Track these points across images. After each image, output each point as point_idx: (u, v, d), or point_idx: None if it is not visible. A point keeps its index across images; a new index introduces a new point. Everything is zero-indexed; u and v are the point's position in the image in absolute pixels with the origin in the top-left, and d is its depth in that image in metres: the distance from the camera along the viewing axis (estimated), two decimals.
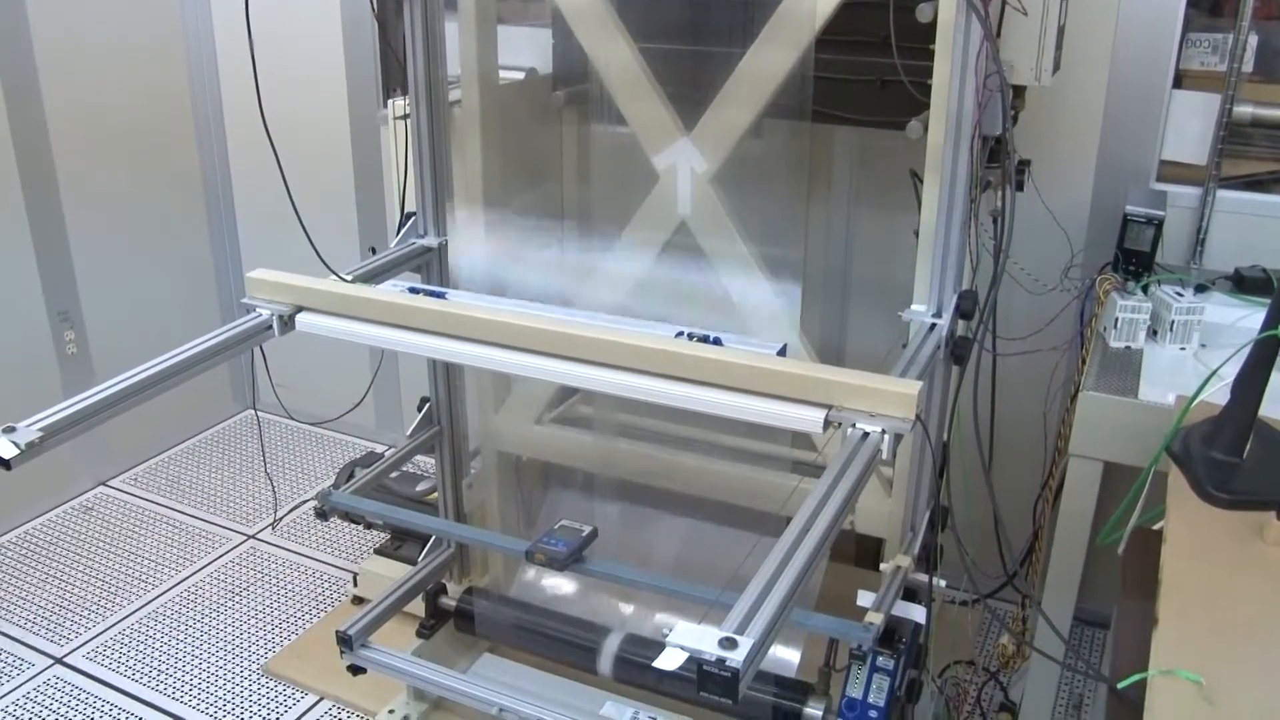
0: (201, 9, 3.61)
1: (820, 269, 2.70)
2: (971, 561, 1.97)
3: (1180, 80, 2.47)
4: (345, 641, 2.30)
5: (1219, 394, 1.64)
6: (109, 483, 3.67)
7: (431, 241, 2.31)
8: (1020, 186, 2.14)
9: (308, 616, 2.99)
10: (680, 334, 1.69)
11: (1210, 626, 1.29)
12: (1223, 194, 2.44)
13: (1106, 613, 2.22)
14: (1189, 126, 2.47)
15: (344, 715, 2.64)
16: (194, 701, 2.67)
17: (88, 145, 3.40)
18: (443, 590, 2.57)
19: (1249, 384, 1.55)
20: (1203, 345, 2.14)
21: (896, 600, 1.92)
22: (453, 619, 2.56)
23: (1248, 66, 2.37)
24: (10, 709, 2.64)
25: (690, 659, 1.04)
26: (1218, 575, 1.40)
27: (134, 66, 3.52)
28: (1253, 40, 2.35)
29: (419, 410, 2.50)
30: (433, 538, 2.65)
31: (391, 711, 2.57)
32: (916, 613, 1.96)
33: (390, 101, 2.66)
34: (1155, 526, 1.57)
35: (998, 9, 1.90)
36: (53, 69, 3.24)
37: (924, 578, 1.99)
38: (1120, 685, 1.26)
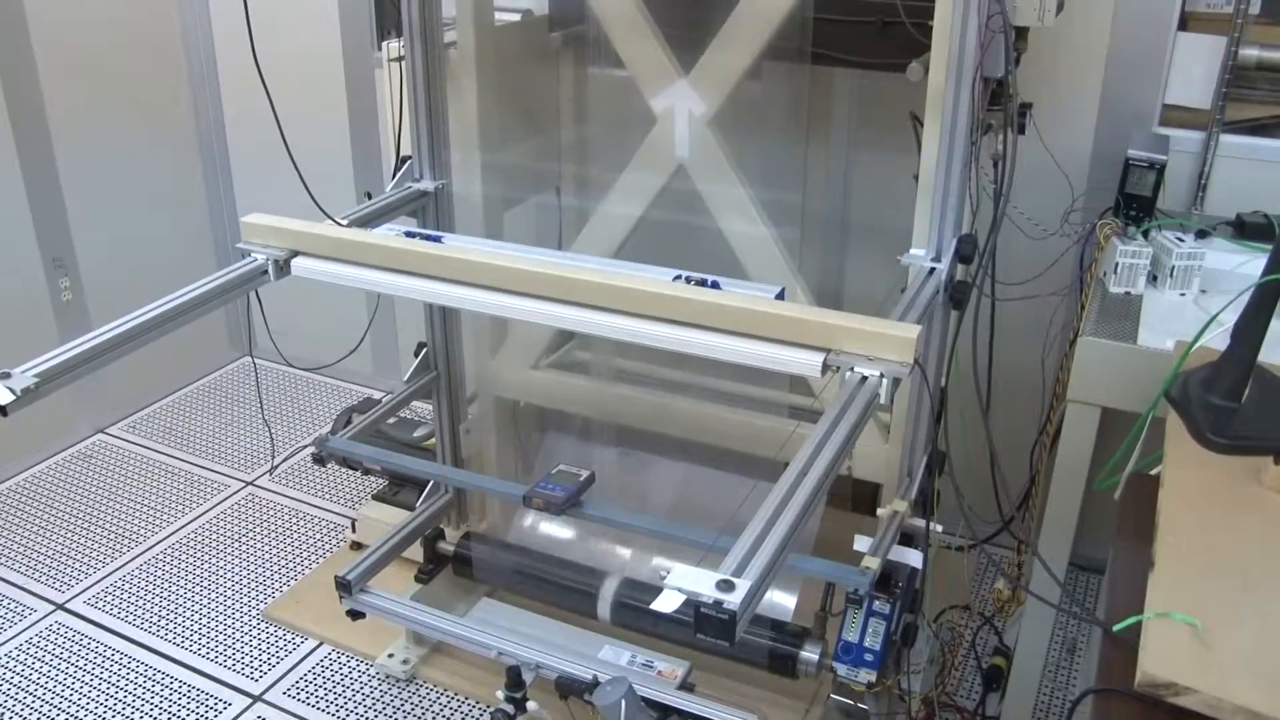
0: None
1: (819, 213, 2.68)
2: (968, 507, 1.98)
3: (1186, 22, 2.44)
4: (344, 586, 2.31)
5: (1218, 339, 1.64)
6: (107, 430, 3.67)
7: (427, 185, 2.29)
8: (1021, 130, 2.12)
9: (307, 562, 3.01)
10: (678, 277, 1.68)
11: (1206, 570, 1.29)
12: (1226, 139, 2.42)
13: (1102, 558, 2.23)
14: (1194, 69, 2.44)
15: (343, 659, 2.66)
16: (194, 647, 2.69)
17: (79, 90, 3.36)
18: (441, 535, 2.59)
19: (1249, 329, 1.54)
20: (1203, 291, 2.13)
21: (893, 545, 1.93)
22: (451, 564, 2.57)
23: (1254, 8, 2.34)
24: (14, 654, 2.66)
25: (687, 601, 1.04)
26: (1214, 519, 1.40)
27: (125, 8, 3.47)
28: None
29: (416, 355, 2.50)
30: (430, 483, 2.66)
31: (390, 655, 2.59)
32: (913, 557, 1.97)
33: (385, 44, 2.63)
34: (1152, 472, 1.57)
35: None
36: (41, 12, 3.20)
37: (921, 523, 2.00)
38: (1115, 629, 1.26)
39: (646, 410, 2.38)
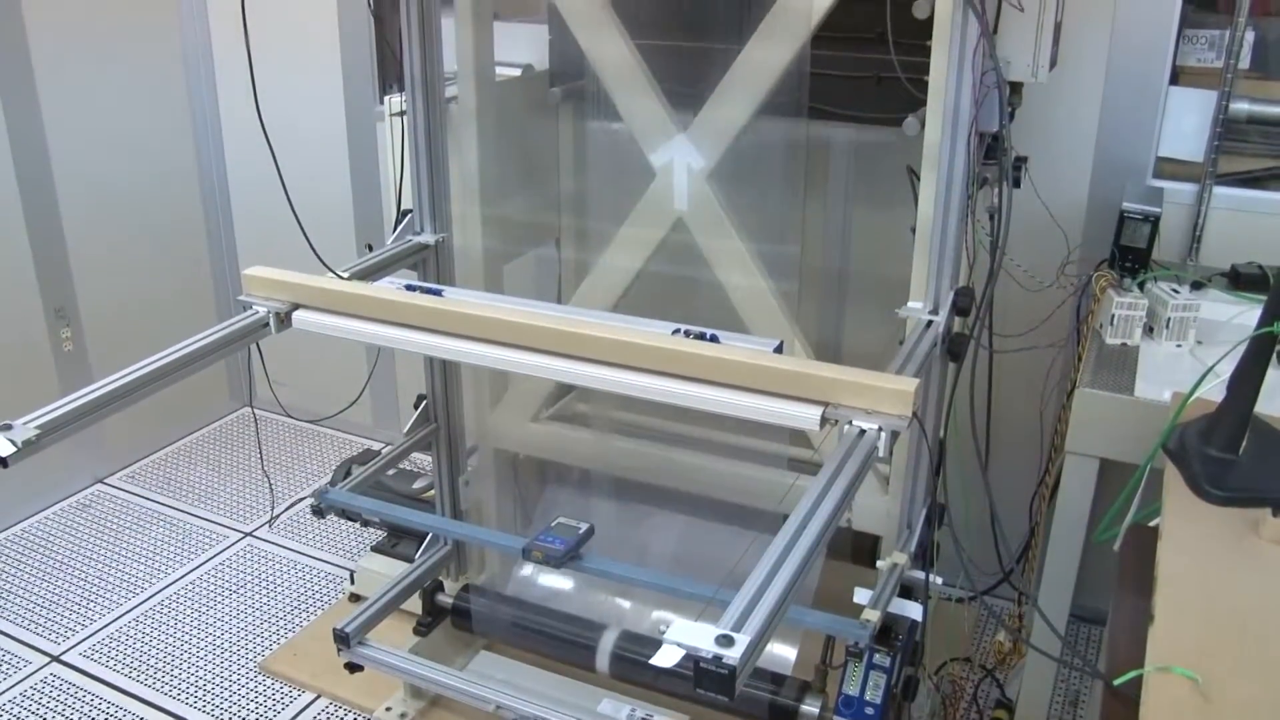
0: (197, 3, 3.60)
1: (817, 265, 2.69)
2: (968, 558, 1.98)
3: (1177, 76, 2.47)
4: (342, 639, 2.30)
5: (1215, 391, 1.65)
6: (106, 480, 3.66)
7: (428, 238, 2.31)
8: (1017, 183, 2.14)
9: (305, 614, 2.99)
10: (677, 331, 1.69)
11: (1206, 623, 1.29)
12: (1219, 191, 2.44)
13: (1103, 609, 2.22)
14: (1186, 123, 2.47)
15: (341, 713, 2.64)
16: (190, 700, 2.67)
17: (83, 142, 3.39)
18: (440, 588, 2.57)
19: (1245, 381, 1.56)
20: (1199, 342, 2.14)
21: (893, 597, 1.92)
22: (450, 616, 2.56)
23: (1244, 63, 2.37)
24: (7, 707, 2.64)
25: (687, 656, 1.04)
26: (1213, 572, 1.40)
27: (129, 63, 3.51)
28: (1249, 36, 2.35)
29: (416, 408, 2.50)
30: (430, 535, 2.66)
31: (389, 709, 2.57)
32: (913, 610, 1.97)
33: (387, 98, 2.66)
34: (1151, 523, 1.57)
35: (994, 5, 1.90)
36: (48, 65, 3.24)
37: (921, 575, 1.99)
38: (1116, 682, 1.26)
39: (646, 462, 2.38)
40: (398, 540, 2.93)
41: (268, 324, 1.88)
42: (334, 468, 3.02)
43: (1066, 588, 2.11)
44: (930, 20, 1.82)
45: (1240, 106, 2.40)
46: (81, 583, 3.13)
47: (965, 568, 1.97)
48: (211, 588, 3.11)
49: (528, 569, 2.62)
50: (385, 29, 2.79)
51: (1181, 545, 1.43)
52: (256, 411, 4.00)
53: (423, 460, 2.73)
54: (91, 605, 3.03)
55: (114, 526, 3.41)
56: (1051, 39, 2.03)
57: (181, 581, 3.13)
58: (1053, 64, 2.07)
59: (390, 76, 3.33)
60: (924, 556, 2.06)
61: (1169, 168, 2.52)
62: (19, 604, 3.04)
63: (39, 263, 3.33)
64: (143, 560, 3.24)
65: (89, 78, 3.38)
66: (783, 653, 2.34)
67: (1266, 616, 1.30)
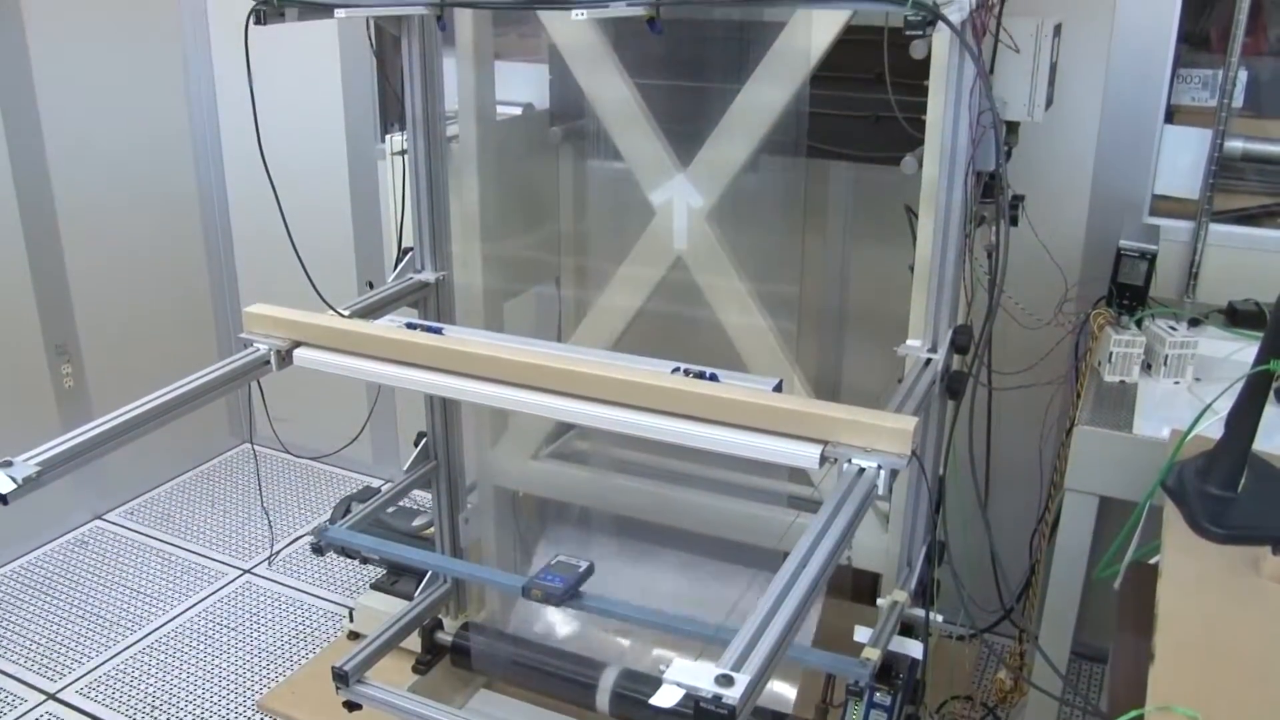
0: (201, 41, 3.63)
1: (816, 304, 2.71)
2: (968, 596, 1.98)
3: (1171, 115, 2.49)
4: (341, 677, 2.29)
5: (1213, 428, 1.65)
6: (104, 516, 3.66)
7: (429, 276, 2.32)
8: (1014, 221, 2.15)
9: (303, 652, 2.98)
10: (676, 370, 1.69)
11: (1207, 662, 1.29)
12: (1215, 228, 2.45)
13: (1104, 647, 2.21)
14: (1181, 161, 2.48)
15: None
16: None
17: (87, 178, 3.41)
18: (439, 625, 2.57)
19: (1242, 418, 1.56)
20: (1197, 379, 2.15)
21: (893, 635, 1.92)
22: (449, 654, 2.55)
23: (1237, 102, 2.39)
24: None
25: (687, 695, 1.04)
26: (1214, 610, 1.40)
27: (133, 100, 3.54)
28: (1242, 76, 2.38)
29: (416, 445, 2.50)
30: (429, 573, 2.65)
31: None
32: (913, 648, 1.96)
33: (388, 136, 2.68)
34: (1151, 561, 1.57)
35: (990, 46, 1.92)
36: (53, 103, 3.26)
37: (921, 613, 1.99)
38: None
39: (646, 500, 2.38)
40: (397, 578, 2.92)
41: (268, 362, 1.88)
42: (333, 505, 3.01)
43: (1067, 625, 2.10)
44: (927, 61, 1.84)
45: (1235, 144, 2.42)
46: (79, 619, 3.12)
47: (966, 605, 1.97)
48: (210, 625, 3.10)
49: (528, 607, 2.61)
50: (387, 68, 2.81)
51: (1181, 583, 1.43)
52: (256, 448, 4.00)
53: (423, 497, 2.73)
54: (89, 642, 3.02)
55: (112, 563, 3.40)
56: (1047, 79, 2.05)
57: (180, 618, 3.12)
58: (1049, 103, 2.09)
59: (392, 115, 3.36)
60: (924, 594, 2.05)
61: (1165, 205, 2.53)
62: (16, 641, 3.03)
63: (40, 298, 3.35)
64: (141, 597, 3.23)
65: (93, 115, 3.40)
66: (783, 691, 2.33)
67: (1267, 655, 1.30)
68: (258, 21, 1.74)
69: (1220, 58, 2.38)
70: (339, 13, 1.90)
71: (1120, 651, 1.57)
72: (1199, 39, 2.50)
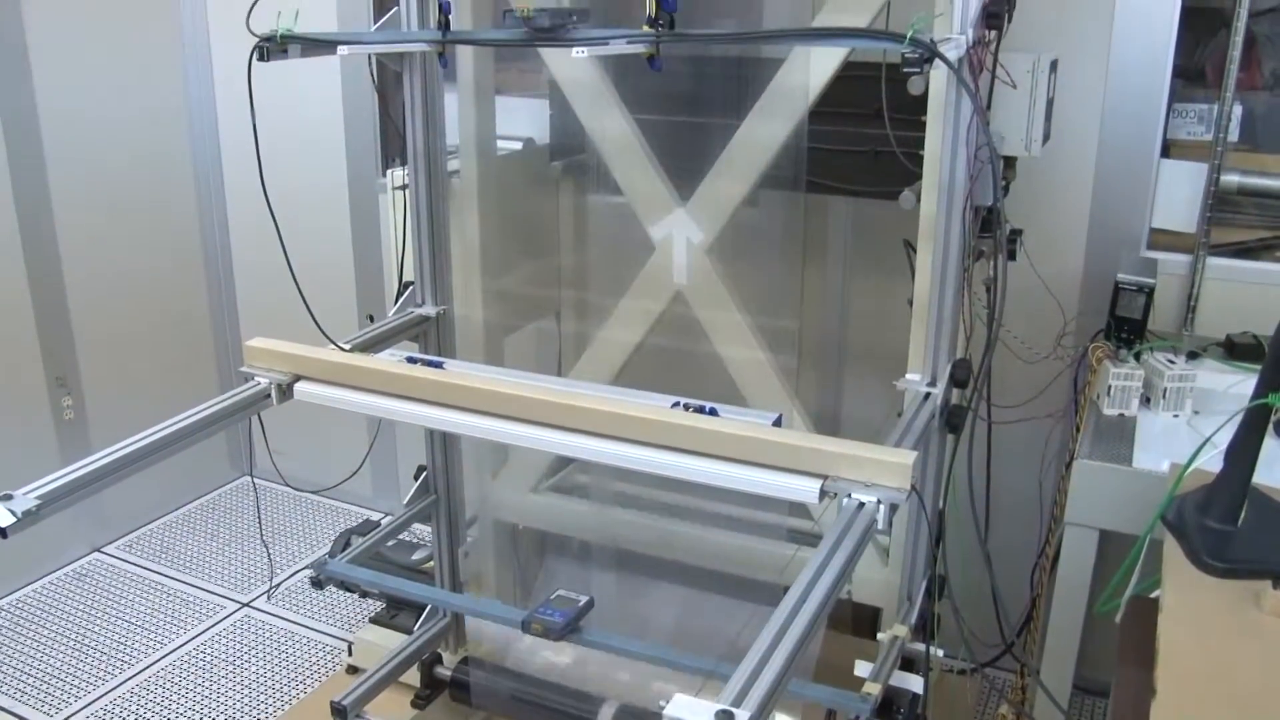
0: (203, 75, 3.66)
1: (815, 338, 2.71)
2: (969, 630, 1.97)
3: (1168, 150, 2.51)
4: (340, 712, 2.28)
5: (1213, 461, 1.65)
6: (103, 549, 3.65)
7: (429, 310, 2.32)
8: (1012, 255, 2.16)
9: (302, 686, 2.97)
10: (676, 404, 1.70)
11: (1208, 696, 1.28)
12: (1213, 261, 2.46)
13: (1105, 681, 2.20)
14: (1178, 195, 2.50)
15: None
16: None
17: (89, 212, 3.43)
18: (438, 660, 2.56)
19: (1242, 451, 1.56)
20: (1196, 412, 2.15)
21: (894, 670, 1.91)
22: (448, 689, 2.54)
23: (1233, 136, 2.41)
24: None
25: None
26: (1214, 645, 1.39)
27: (136, 134, 3.56)
28: (1237, 110, 2.40)
29: (416, 479, 2.50)
30: (428, 607, 2.64)
31: None
32: (914, 682, 1.95)
33: (389, 171, 2.69)
34: (1152, 595, 1.57)
35: (987, 82, 1.93)
36: (56, 137, 3.28)
37: (921, 647, 1.98)
38: None
39: (646, 534, 2.38)
40: (396, 611, 2.91)
41: (269, 395, 1.89)
42: (333, 538, 3.00)
43: (1069, 659, 2.10)
44: (925, 96, 1.85)
45: (1231, 178, 2.44)
46: (77, 653, 3.11)
47: (966, 640, 1.97)
48: (209, 659, 3.08)
49: (527, 642, 2.60)
50: (388, 103, 2.83)
51: (1182, 618, 1.43)
52: (256, 481, 4.00)
53: (422, 531, 2.72)
54: (87, 676, 3.01)
55: (111, 596, 3.39)
56: (1044, 114, 2.06)
57: (178, 652, 3.11)
58: (1046, 138, 2.11)
59: (393, 149, 3.38)
60: (925, 628, 2.05)
61: (1163, 239, 2.54)
62: (14, 674, 3.01)
63: (41, 330, 3.35)
64: (139, 630, 3.21)
65: (95, 147, 3.42)
66: None
67: (1268, 689, 1.30)
68: (261, 58, 1.75)
69: (1215, 92, 2.40)
70: (342, 49, 1.92)
71: (1122, 686, 1.56)
72: (1194, 74, 2.52)
